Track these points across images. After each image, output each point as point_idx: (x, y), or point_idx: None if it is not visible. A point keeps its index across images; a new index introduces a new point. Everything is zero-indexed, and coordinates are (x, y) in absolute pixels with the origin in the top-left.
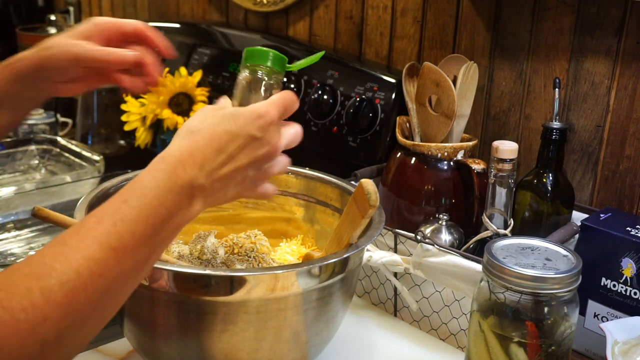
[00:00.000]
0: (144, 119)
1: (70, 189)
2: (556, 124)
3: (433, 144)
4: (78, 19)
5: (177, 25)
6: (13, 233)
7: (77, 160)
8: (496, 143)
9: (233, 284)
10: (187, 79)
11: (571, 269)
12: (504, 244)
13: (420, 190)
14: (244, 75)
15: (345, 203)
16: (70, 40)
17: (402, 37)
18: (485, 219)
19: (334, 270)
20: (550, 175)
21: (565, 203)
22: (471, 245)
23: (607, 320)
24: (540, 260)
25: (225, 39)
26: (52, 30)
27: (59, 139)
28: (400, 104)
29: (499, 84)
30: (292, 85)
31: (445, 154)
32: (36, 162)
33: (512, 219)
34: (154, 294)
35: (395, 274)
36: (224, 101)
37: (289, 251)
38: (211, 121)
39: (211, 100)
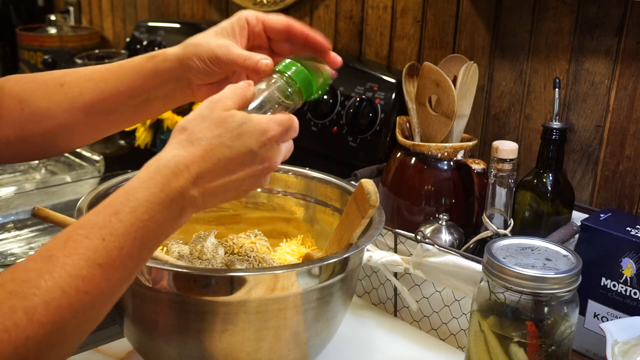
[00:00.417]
0: None
1: (70, 189)
2: (556, 124)
3: (433, 144)
4: (78, 19)
5: (177, 25)
6: (13, 233)
7: (77, 160)
8: (496, 143)
9: (233, 284)
10: None
11: (571, 269)
12: (504, 244)
13: (420, 190)
14: (278, 83)
15: (345, 203)
16: (217, 41)
17: (402, 37)
18: (485, 219)
19: (334, 270)
20: (550, 175)
21: (565, 203)
22: (471, 245)
23: (607, 320)
24: (540, 260)
25: None
26: (52, 30)
27: None
28: (400, 104)
29: (499, 84)
30: None
31: (445, 154)
32: (36, 162)
33: (512, 219)
34: (154, 294)
35: (395, 274)
36: (231, 95)
37: (289, 251)
38: (214, 132)
39: None
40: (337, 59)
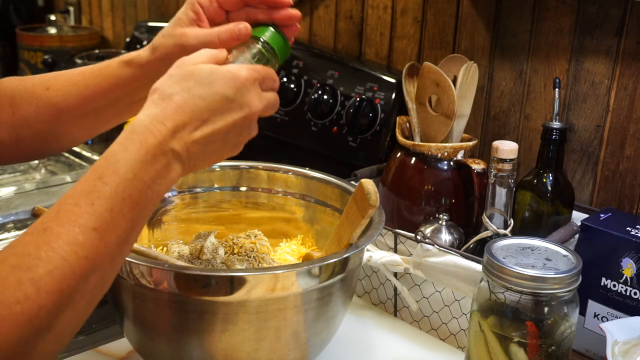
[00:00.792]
0: None
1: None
2: (556, 124)
3: (433, 144)
4: (78, 19)
5: None
6: (13, 233)
7: (77, 160)
8: (496, 143)
9: (233, 284)
10: None
11: (571, 269)
12: (504, 244)
13: (420, 190)
14: (253, 49)
15: (345, 203)
16: (180, 31)
17: (402, 37)
18: (485, 219)
19: (334, 270)
20: (550, 175)
21: (565, 203)
22: (471, 245)
23: (607, 320)
24: (540, 260)
25: None
26: (52, 30)
27: None
28: (400, 104)
29: (499, 84)
30: (292, 86)
31: (445, 154)
32: (36, 162)
33: (512, 219)
34: (154, 294)
35: (395, 274)
36: (201, 54)
37: (289, 251)
38: (184, 85)
39: None
40: (296, 13)
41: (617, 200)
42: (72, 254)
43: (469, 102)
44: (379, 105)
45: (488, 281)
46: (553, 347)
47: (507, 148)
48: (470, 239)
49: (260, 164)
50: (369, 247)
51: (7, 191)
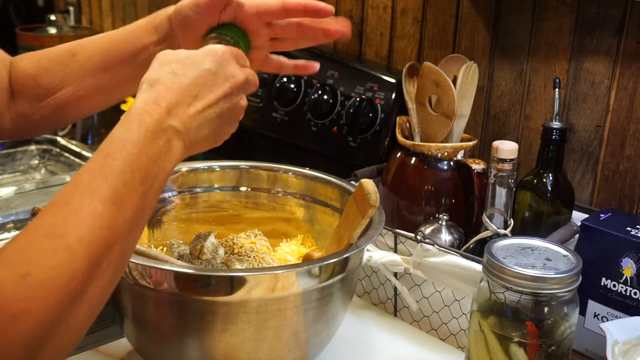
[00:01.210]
0: None
1: None
2: (556, 124)
3: (433, 144)
4: (78, 19)
5: None
6: (13, 233)
7: (77, 160)
8: (496, 143)
9: (233, 284)
10: None
11: (571, 269)
12: (504, 244)
13: (420, 190)
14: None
15: (345, 203)
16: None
17: (402, 37)
18: (485, 219)
19: (334, 270)
20: (550, 175)
21: (565, 203)
22: (471, 245)
23: (607, 320)
24: (540, 260)
25: None
26: (52, 30)
27: (58, 139)
28: (400, 104)
29: (499, 84)
30: (292, 86)
31: (445, 154)
32: (36, 162)
33: (512, 219)
34: (154, 294)
35: (395, 274)
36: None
37: (289, 251)
38: (167, 69)
39: None
40: (343, 25)
41: (617, 200)
42: (96, 224)
43: (469, 102)
44: (379, 105)
45: (488, 281)
46: (553, 347)
47: (507, 148)
48: (470, 239)
49: (261, 164)
50: (369, 247)
51: (7, 191)
